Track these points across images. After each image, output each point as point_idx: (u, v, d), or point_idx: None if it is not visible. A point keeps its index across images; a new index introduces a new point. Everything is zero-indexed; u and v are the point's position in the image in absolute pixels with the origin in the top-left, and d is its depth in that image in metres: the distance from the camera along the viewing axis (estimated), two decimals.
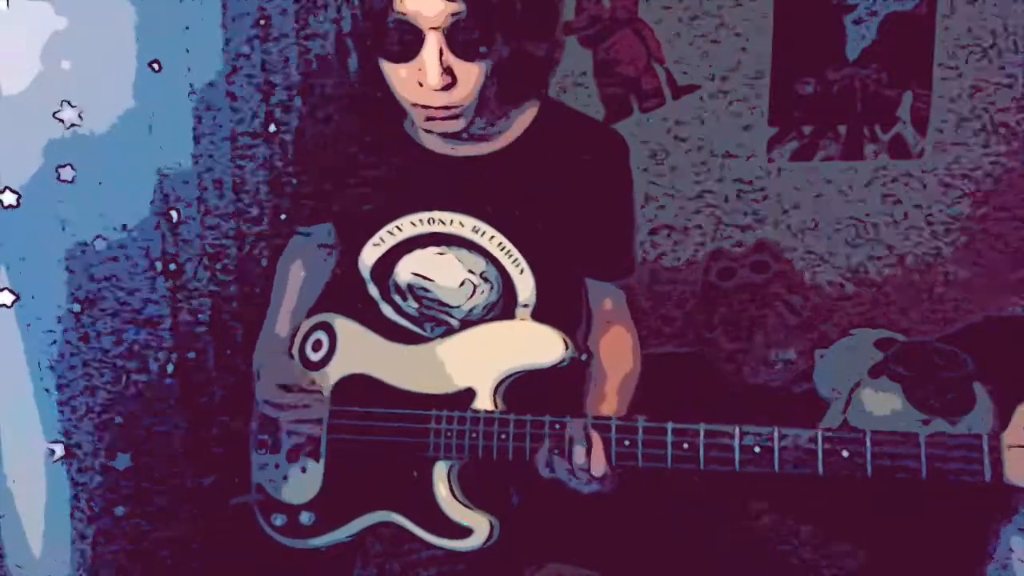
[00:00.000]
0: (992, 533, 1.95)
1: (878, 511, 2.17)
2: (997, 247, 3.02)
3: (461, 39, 1.31)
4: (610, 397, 1.54)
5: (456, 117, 1.39)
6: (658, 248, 2.96)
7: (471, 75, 1.34)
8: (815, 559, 2.17)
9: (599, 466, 1.38)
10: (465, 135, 1.45)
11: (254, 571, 1.73)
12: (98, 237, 1.70)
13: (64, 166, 1.62)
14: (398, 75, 1.36)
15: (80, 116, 1.60)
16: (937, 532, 2.11)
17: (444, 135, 1.46)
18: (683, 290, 3.01)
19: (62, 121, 1.59)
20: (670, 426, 1.36)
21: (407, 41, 1.32)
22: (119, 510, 1.81)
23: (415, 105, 1.38)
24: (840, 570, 2.14)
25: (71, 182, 1.63)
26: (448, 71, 1.33)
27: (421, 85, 1.34)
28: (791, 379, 2.90)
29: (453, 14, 1.29)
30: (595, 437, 1.38)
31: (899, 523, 2.17)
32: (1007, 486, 1.24)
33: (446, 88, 1.33)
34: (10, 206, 1.58)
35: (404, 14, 1.30)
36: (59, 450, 1.71)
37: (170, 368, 1.81)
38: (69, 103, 1.59)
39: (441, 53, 1.31)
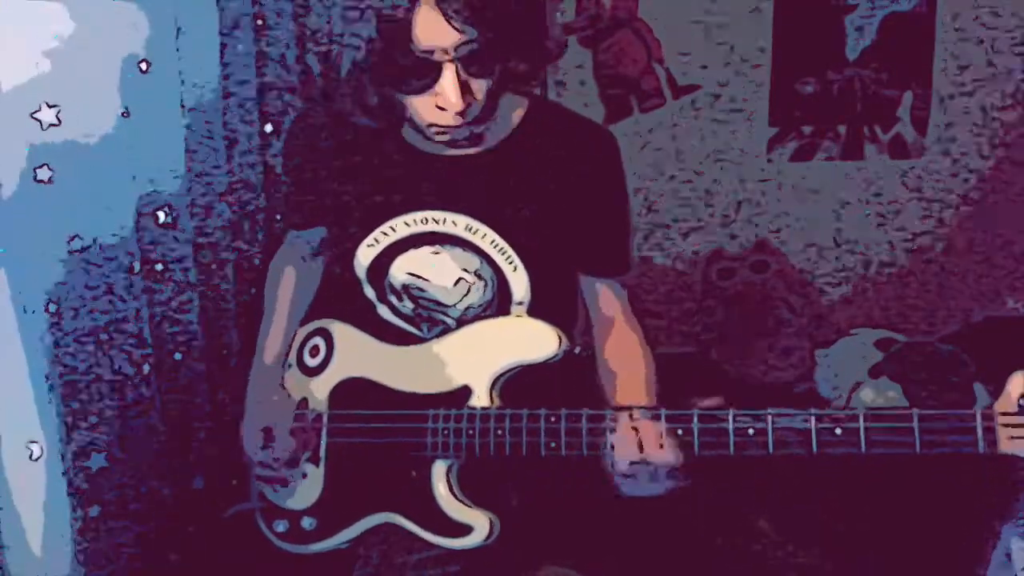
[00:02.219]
0: (992, 533, 1.95)
1: (878, 511, 2.17)
2: (997, 247, 3.02)
3: (474, 63, 1.35)
4: (639, 399, 1.51)
5: (465, 124, 1.41)
6: (658, 248, 2.97)
7: (482, 88, 1.38)
8: (813, 561, 2.17)
9: (671, 454, 1.35)
10: (466, 133, 1.46)
11: (253, 571, 1.73)
12: (78, 237, 1.70)
13: (40, 166, 1.62)
14: (417, 104, 1.39)
15: (58, 116, 1.60)
16: (937, 532, 2.11)
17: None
18: (683, 290, 3.01)
19: (39, 122, 1.59)
20: (663, 412, 1.37)
21: (425, 73, 1.35)
22: (111, 509, 1.82)
23: (432, 125, 1.41)
24: (840, 571, 2.14)
25: (53, 183, 1.63)
26: (465, 91, 1.36)
27: (440, 107, 1.37)
28: (792, 379, 2.91)
29: (466, 43, 1.32)
30: (659, 426, 1.36)
31: (899, 523, 2.17)
32: (1006, 483, 1.23)
33: (468, 105, 1.37)
34: None
35: (423, 50, 1.33)
36: (36, 449, 1.71)
37: (146, 368, 1.82)
38: (48, 103, 1.59)
39: (458, 77, 1.34)
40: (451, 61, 1.34)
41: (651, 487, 1.40)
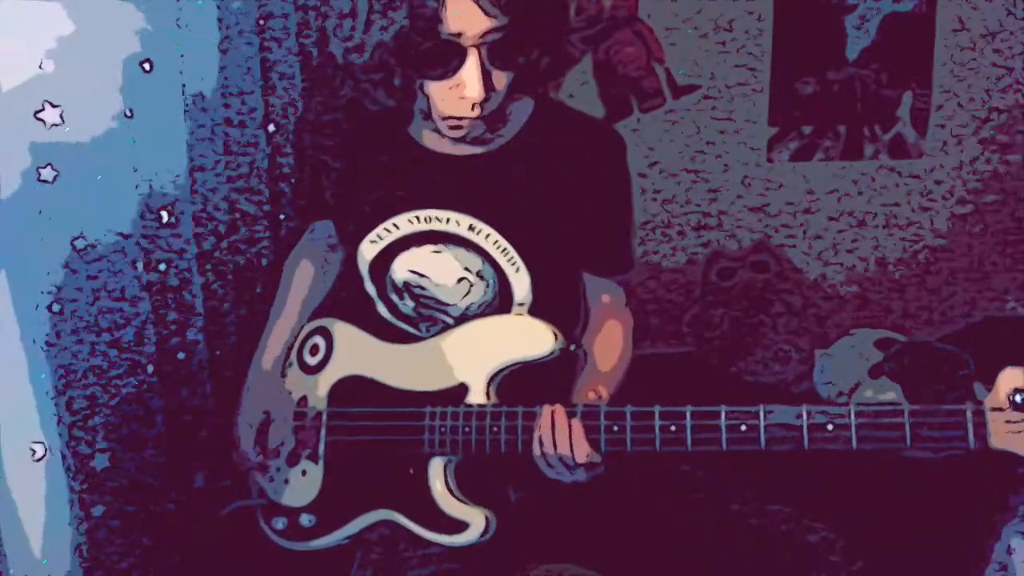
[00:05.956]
0: (992, 533, 1.95)
1: (878, 511, 2.17)
2: (997, 247, 3.02)
3: (501, 52, 1.36)
4: (599, 388, 1.55)
5: (481, 119, 1.43)
6: (658, 248, 2.97)
7: (502, 81, 1.39)
8: (813, 561, 2.17)
9: (581, 452, 1.39)
10: (480, 131, 1.47)
11: (254, 570, 1.73)
12: (81, 237, 1.71)
13: (45, 167, 1.63)
14: (436, 91, 1.40)
15: (61, 116, 1.61)
16: (937, 532, 2.11)
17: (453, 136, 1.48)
18: (683, 290, 3.01)
19: (43, 121, 1.60)
20: (657, 409, 1.38)
21: (449, 59, 1.36)
22: (103, 509, 1.83)
23: (448, 117, 1.41)
24: (839, 570, 2.14)
25: (55, 182, 1.64)
26: (487, 81, 1.37)
27: (462, 97, 1.38)
28: (791, 379, 2.91)
29: (495, 29, 1.33)
30: (575, 424, 1.39)
31: (899, 523, 2.17)
32: (1000, 474, 1.23)
33: (487, 99, 1.38)
34: None
35: (450, 33, 1.34)
36: (39, 449, 1.72)
37: (149, 368, 1.82)
38: (51, 103, 1.60)
39: (482, 65, 1.36)
40: (476, 47, 1.34)
41: (562, 476, 1.44)
